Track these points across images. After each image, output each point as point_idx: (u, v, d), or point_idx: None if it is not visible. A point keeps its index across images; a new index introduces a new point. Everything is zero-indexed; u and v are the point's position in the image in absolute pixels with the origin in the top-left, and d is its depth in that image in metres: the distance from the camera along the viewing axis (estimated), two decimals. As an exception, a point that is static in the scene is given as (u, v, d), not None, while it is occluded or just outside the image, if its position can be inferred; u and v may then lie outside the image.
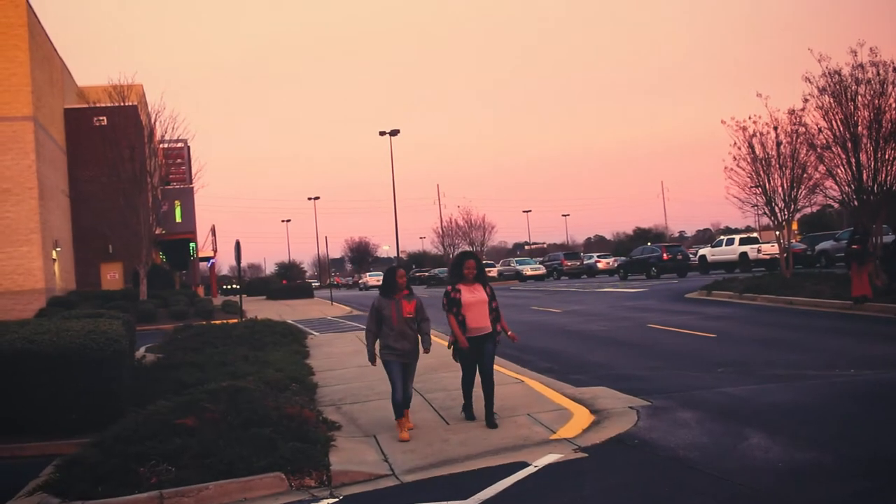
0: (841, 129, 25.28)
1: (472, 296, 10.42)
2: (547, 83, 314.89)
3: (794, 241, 38.17)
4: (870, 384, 11.77)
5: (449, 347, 10.78)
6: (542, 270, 67.85)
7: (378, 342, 10.35)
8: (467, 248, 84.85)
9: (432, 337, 10.78)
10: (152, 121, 40.93)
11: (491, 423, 10.28)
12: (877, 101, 24.54)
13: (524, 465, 8.61)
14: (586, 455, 8.84)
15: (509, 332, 10.67)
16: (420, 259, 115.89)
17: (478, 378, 10.63)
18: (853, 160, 24.97)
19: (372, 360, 10.40)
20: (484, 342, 10.46)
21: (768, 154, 29.95)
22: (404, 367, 10.25)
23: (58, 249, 41.50)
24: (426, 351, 10.45)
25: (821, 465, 7.88)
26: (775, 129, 29.56)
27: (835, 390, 11.40)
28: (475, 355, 10.48)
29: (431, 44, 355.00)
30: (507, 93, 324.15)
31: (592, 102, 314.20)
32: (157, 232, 42.28)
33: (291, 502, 8.00)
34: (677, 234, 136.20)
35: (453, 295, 10.46)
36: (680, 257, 50.03)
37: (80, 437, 10.21)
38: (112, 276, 47.87)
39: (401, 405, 10.19)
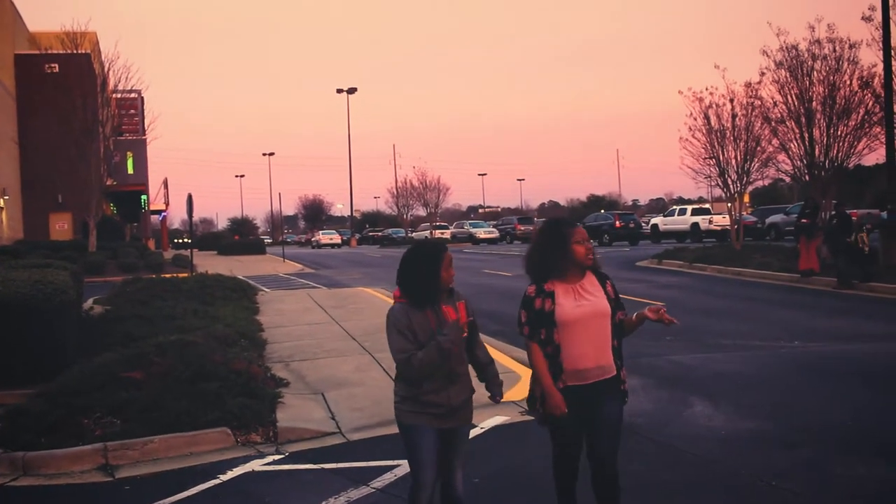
0: (796, 103, 25.54)
1: (579, 304, 5.23)
2: (505, 48, 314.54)
3: (745, 213, 38.58)
4: (813, 356, 12.00)
5: (532, 404, 5.65)
6: (496, 234, 67.81)
7: (400, 385, 5.28)
8: (422, 209, 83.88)
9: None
10: (105, 70, 39.96)
11: None
12: (832, 78, 24.81)
13: (472, 426, 8.64)
14: (532, 417, 8.89)
15: (665, 315, 5.20)
16: (374, 219, 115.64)
17: None
18: (806, 135, 25.26)
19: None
20: (601, 398, 5.26)
21: (723, 126, 30.15)
22: (445, 436, 5.31)
23: (5, 198, 40.71)
24: (496, 400, 5.56)
25: (763, 433, 8.04)
26: (731, 101, 29.76)
27: (779, 361, 11.60)
28: (582, 421, 5.32)
29: (392, 3, 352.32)
30: (466, 56, 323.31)
31: (551, 68, 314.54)
32: (108, 183, 41.63)
33: (237, 458, 7.97)
34: (631, 203, 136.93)
35: (539, 303, 5.25)
36: (632, 225, 50.41)
37: (26, 389, 10.07)
38: (61, 227, 47.11)
39: None
